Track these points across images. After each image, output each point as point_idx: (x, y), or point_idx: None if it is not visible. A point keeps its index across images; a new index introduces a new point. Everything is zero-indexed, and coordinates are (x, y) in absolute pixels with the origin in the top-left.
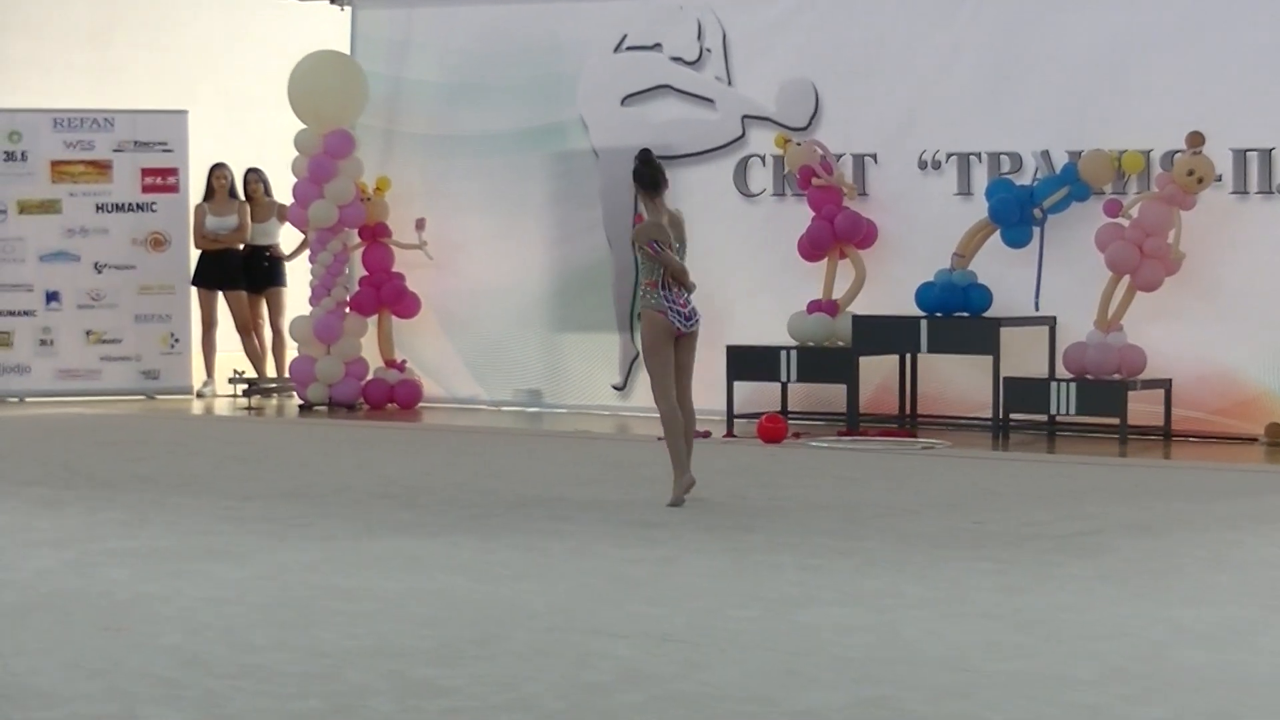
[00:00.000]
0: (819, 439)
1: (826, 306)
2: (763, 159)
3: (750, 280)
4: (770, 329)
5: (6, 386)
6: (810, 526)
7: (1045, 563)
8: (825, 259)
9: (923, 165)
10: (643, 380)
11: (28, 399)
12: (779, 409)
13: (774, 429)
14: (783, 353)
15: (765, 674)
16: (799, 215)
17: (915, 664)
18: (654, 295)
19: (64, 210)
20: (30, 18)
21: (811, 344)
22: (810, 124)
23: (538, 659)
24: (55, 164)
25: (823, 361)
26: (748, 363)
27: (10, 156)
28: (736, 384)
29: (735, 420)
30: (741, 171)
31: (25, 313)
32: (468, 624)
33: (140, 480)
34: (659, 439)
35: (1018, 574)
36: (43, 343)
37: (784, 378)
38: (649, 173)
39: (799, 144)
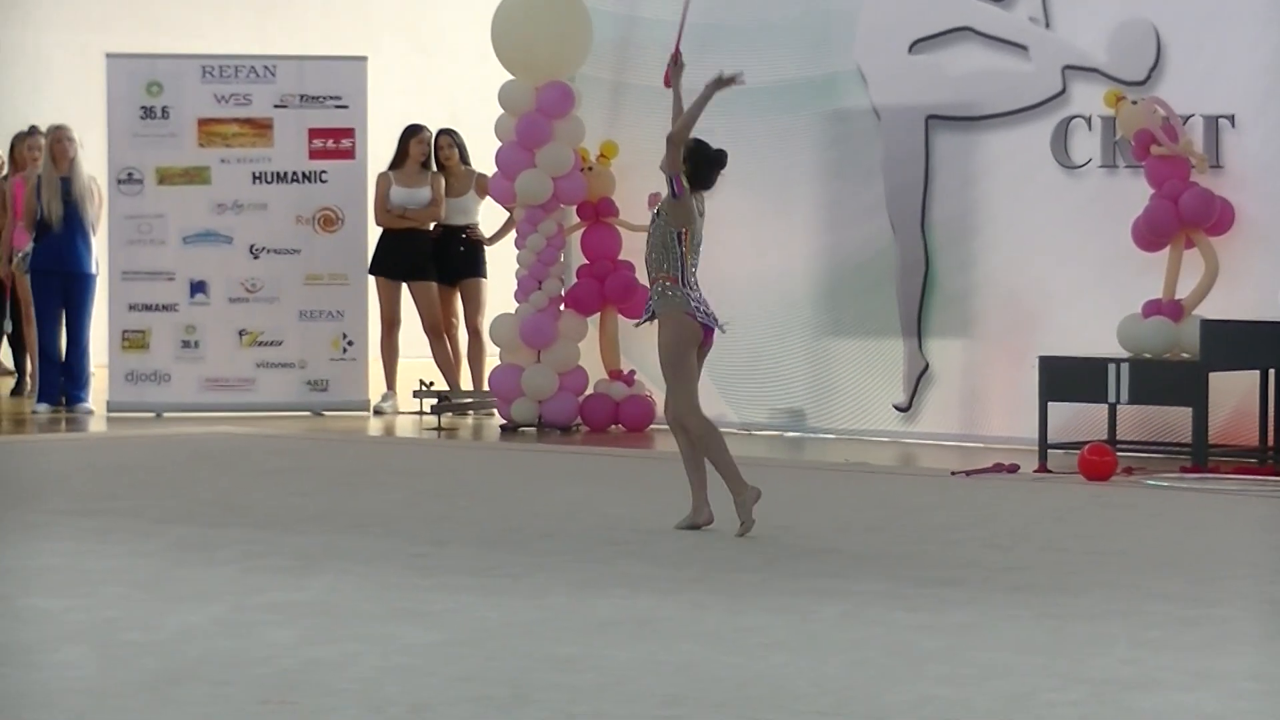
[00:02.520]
0: (1157, 476)
1: (1168, 309)
2: (1089, 121)
3: (1071, 275)
4: (1096, 336)
5: (141, 398)
6: (1147, 588)
7: None
8: (1168, 248)
9: None
10: (931, 400)
11: (167, 414)
12: (1105, 438)
13: (1100, 463)
14: (1111, 366)
15: None
16: (1134, 193)
17: None
18: (677, 294)
19: (213, 180)
20: None
21: (1148, 355)
22: (1150, 77)
23: None
24: (203, 123)
25: (1163, 378)
26: (1067, 379)
27: (149, 113)
28: (1052, 405)
29: (1050, 451)
30: (1061, 137)
31: (165, 307)
32: (715, 707)
33: (306, 519)
34: (953, 473)
35: None
36: (185, 344)
37: (1113, 398)
38: (713, 174)
39: (1135, 102)
